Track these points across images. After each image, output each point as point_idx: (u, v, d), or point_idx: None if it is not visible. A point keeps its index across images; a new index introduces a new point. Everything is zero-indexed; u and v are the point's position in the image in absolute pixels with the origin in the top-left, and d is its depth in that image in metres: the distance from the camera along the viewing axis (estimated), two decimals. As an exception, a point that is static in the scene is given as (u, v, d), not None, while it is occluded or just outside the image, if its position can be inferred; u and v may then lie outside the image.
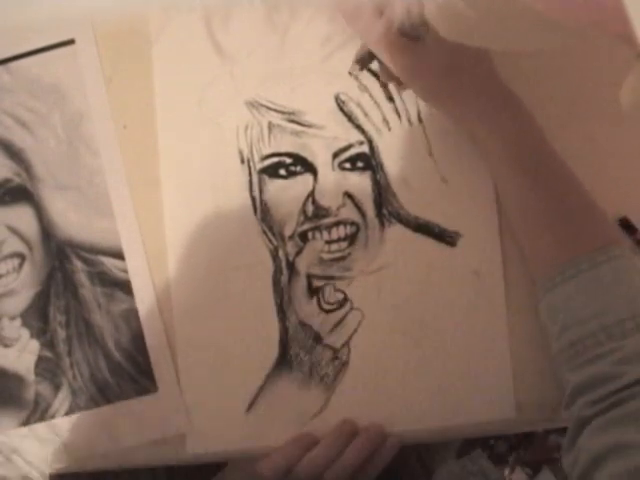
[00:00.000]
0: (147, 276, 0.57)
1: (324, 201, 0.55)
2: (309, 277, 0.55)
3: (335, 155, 0.55)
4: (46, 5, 0.53)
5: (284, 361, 0.55)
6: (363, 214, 0.55)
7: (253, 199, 0.56)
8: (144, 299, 0.57)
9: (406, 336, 0.54)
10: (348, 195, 0.55)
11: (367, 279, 0.55)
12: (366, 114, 0.55)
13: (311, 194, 0.55)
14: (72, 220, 0.58)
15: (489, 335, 0.53)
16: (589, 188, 0.48)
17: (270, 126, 0.56)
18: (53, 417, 0.57)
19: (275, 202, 0.56)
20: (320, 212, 0.55)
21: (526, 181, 0.48)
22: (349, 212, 0.55)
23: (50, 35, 0.59)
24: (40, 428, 0.57)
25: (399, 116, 0.55)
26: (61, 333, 0.58)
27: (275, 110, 0.56)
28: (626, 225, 0.52)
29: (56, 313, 0.58)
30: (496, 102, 0.49)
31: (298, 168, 0.56)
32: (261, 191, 0.56)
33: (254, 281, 0.56)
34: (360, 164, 0.55)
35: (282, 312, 0.55)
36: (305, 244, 0.55)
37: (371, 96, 0.55)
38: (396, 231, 0.54)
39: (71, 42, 0.59)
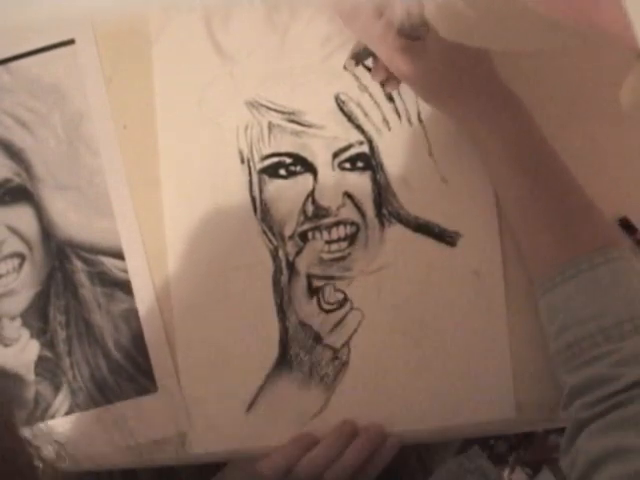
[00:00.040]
0: (147, 276, 0.57)
1: (324, 201, 0.55)
2: (309, 277, 0.55)
3: (335, 155, 0.55)
4: (46, 5, 0.53)
5: (284, 361, 0.55)
6: (363, 214, 0.55)
7: (253, 199, 0.56)
8: (144, 299, 0.57)
9: (406, 336, 0.54)
10: (348, 195, 0.55)
11: (367, 279, 0.54)
12: (366, 114, 0.55)
13: (311, 194, 0.55)
14: (72, 220, 0.58)
15: (489, 335, 0.53)
16: (589, 188, 0.48)
17: (270, 126, 0.56)
18: (53, 417, 0.57)
19: (275, 202, 0.56)
20: (320, 212, 0.55)
21: (526, 181, 0.48)
22: (349, 212, 0.55)
23: (50, 35, 0.59)
24: (40, 428, 0.57)
25: (399, 116, 0.55)
26: (61, 333, 0.58)
27: (275, 110, 0.56)
28: (626, 225, 0.52)
29: (56, 313, 0.58)
30: (496, 102, 0.49)
31: (298, 168, 0.56)
32: (261, 191, 0.56)
33: (254, 281, 0.56)
34: (360, 164, 0.55)
35: (282, 312, 0.55)
36: (305, 244, 0.55)
37: (371, 96, 0.55)
38: (396, 231, 0.54)
39: (71, 42, 0.59)
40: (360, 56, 0.52)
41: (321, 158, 0.55)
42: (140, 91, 0.58)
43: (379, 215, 0.55)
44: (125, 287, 0.57)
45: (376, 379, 0.54)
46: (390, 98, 0.55)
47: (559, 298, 0.47)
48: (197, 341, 0.56)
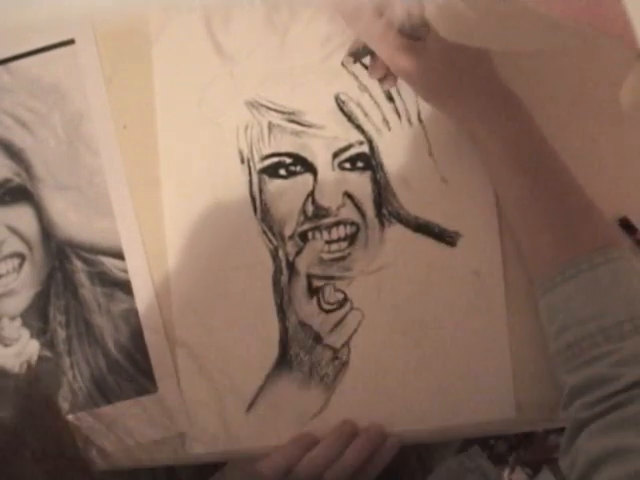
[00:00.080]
0: (147, 276, 0.57)
1: (324, 201, 0.55)
2: (309, 277, 0.55)
3: (335, 155, 0.55)
4: (46, 5, 0.53)
5: (284, 361, 0.55)
6: (363, 214, 0.55)
7: (253, 199, 0.56)
8: (144, 299, 0.57)
9: (406, 336, 0.54)
10: (348, 195, 0.55)
11: (367, 279, 0.54)
12: (366, 114, 0.55)
13: (311, 194, 0.55)
14: (72, 220, 0.58)
15: (489, 335, 0.53)
16: (589, 188, 0.48)
17: (270, 126, 0.56)
18: (53, 417, 0.57)
19: (275, 202, 0.56)
20: (320, 212, 0.55)
21: (526, 181, 0.48)
22: (349, 212, 0.55)
23: (50, 35, 0.59)
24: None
25: (399, 116, 0.55)
26: (61, 333, 0.58)
27: (275, 110, 0.56)
28: (626, 225, 0.52)
29: (56, 313, 0.58)
30: (496, 102, 0.49)
31: (298, 168, 0.56)
32: (261, 191, 0.56)
33: (254, 281, 0.56)
34: (360, 164, 0.55)
35: (282, 312, 0.55)
36: (305, 244, 0.55)
37: (371, 96, 0.55)
38: (396, 231, 0.54)
39: (71, 42, 0.59)
40: (358, 53, 0.52)
41: (321, 158, 0.55)
42: (140, 91, 0.58)
43: (379, 215, 0.55)
44: (125, 287, 0.57)
45: (376, 379, 0.54)
46: (390, 98, 0.55)
47: (559, 298, 0.47)
48: (197, 341, 0.56)
